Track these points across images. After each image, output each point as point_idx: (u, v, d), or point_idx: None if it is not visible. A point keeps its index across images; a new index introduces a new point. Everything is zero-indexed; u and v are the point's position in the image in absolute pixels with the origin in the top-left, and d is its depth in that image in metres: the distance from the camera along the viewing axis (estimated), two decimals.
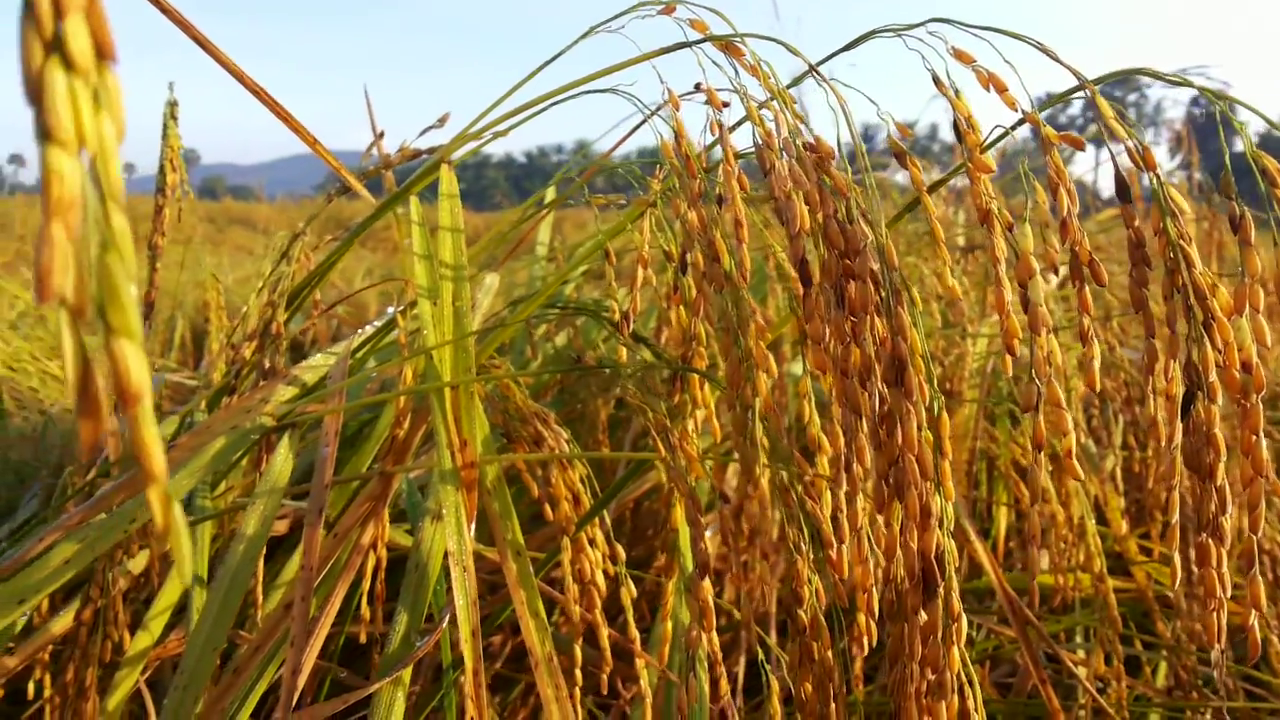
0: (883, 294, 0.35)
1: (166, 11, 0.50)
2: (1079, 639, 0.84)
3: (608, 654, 0.52)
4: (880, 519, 0.39)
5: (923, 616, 0.35)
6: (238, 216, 6.89)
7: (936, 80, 0.41)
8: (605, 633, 0.52)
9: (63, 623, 0.58)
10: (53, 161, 0.16)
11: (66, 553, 0.50)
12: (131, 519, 0.51)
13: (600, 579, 0.52)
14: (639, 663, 0.56)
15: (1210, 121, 0.42)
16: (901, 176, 1.88)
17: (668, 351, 0.62)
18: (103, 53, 0.17)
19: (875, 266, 0.36)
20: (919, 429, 0.34)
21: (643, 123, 0.52)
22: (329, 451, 0.51)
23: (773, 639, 0.70)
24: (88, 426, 0.17)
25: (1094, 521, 0.71)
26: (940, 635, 0.35)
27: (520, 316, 0.54)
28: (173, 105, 0.67)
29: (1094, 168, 2.42)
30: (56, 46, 0.17)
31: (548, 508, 0.54)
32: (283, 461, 0.54)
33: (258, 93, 0.57)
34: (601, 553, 0.54)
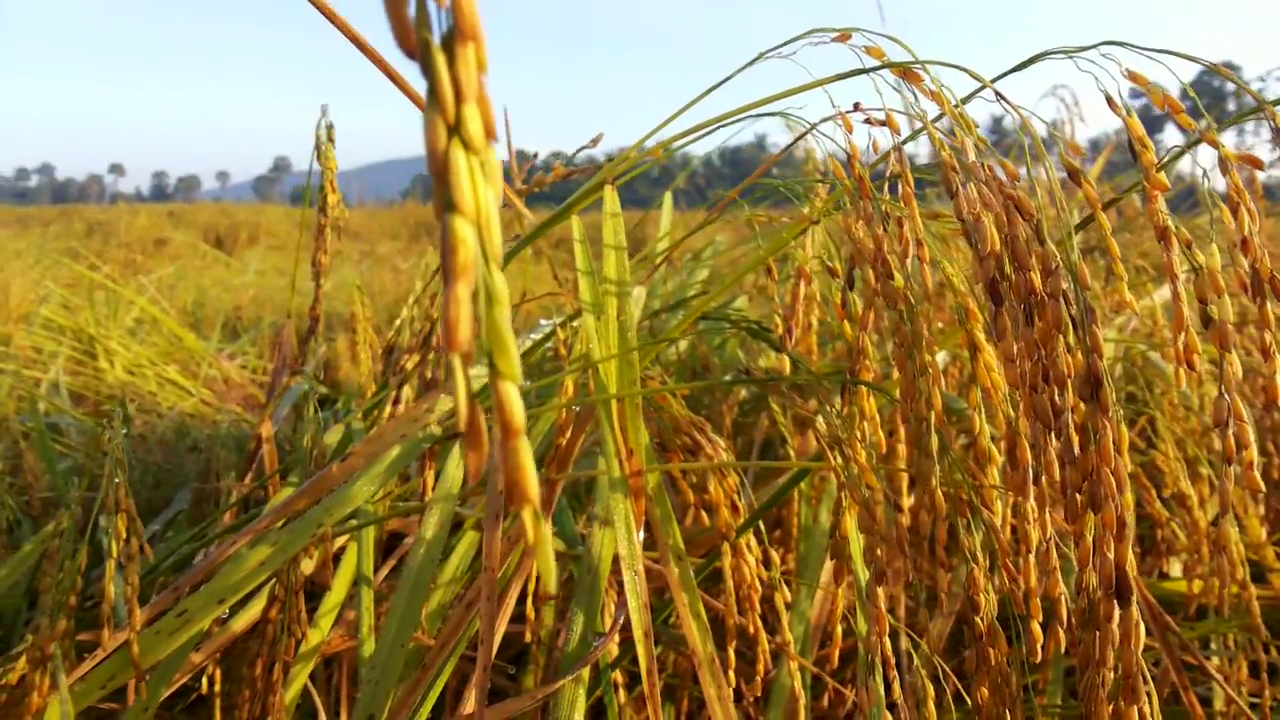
0: (1073, 312, 0.37)
1: (330, 17, 0.53)
2: (1213, 646, 0.84)
3: (767, 657, 0.54)
4: (1043, 527, 0.41)
5: (1116, 625, 0.36)
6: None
7: (1110, 101, 0.42)
8: (764, 638, 0.54)
9: (244, 620, 0.61)
10: (456, 230, 0.19)
11: (261, 555, 0.53)
12: (318, 524, 0.55)
13: (758, 583, 0.54)
14: (792, 665, 0.58)
15: None
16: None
17: (806, 362, 0.63)
18: (488, 133, 0.19)
19: (1066, 286, 0.37)
20: (1114, 443, 0.36)
21: (798, 139, 0.54)
22: (499, 461, 0.54)
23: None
24: (473, 456, 0.20)
25: (1235, 529, 0.71)
26: (1133, 642, 0.36)
27: (677, 330, 0.57)
28: (329, 128, 0.71)
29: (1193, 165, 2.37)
30: (456, 129, 0.19)
31: (703, 513, 0.56)
32: (455, 469, 0.57)
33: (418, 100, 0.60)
34: (755, 557, 0.56)
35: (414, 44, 0.19)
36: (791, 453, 0.63)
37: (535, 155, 0.67)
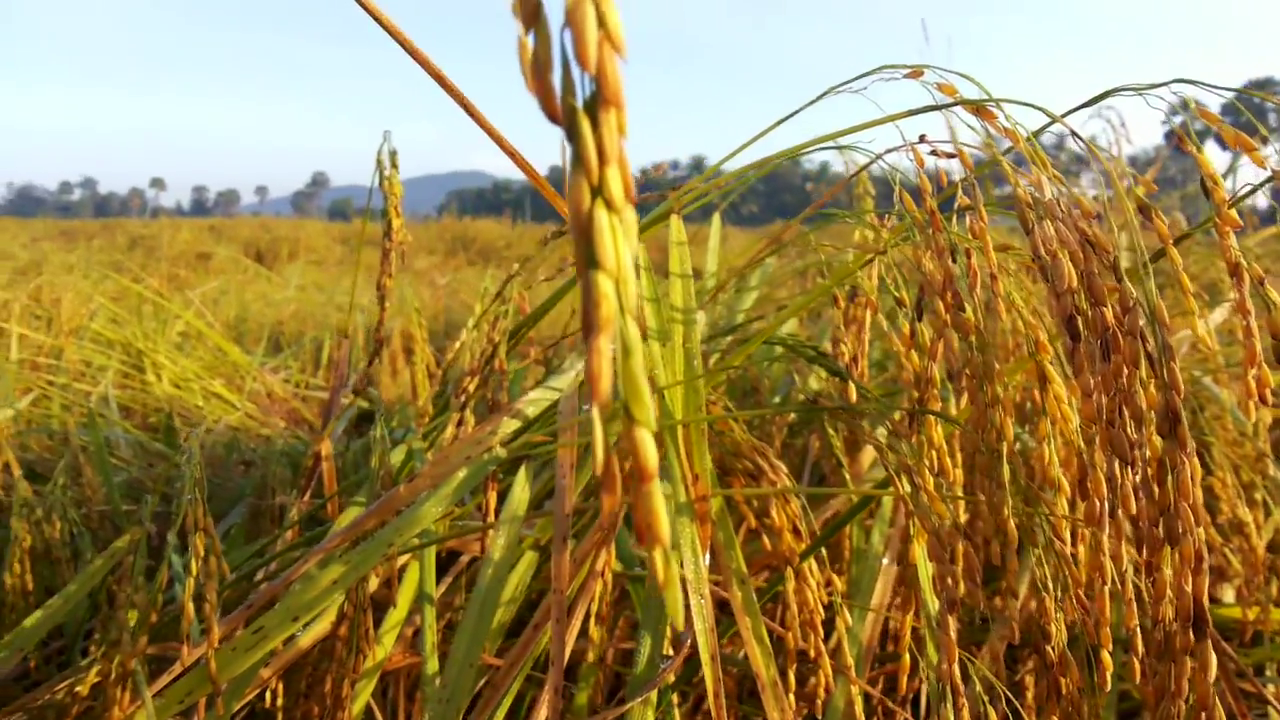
0: (1150, 348, 0.37)
1: (387, 27, 0.55)
2: (1268, 673, 0.83)
3: (829, 679, 0.55)
4: (1115, 557, 0.41)
5: (1191, 659, 0.37)
6: (369, 237, 7.12)
7: (1180, 137, 0.43)
8: (827, 661, 0.54)
9: (311, 637, 0.63)
10: (600, 286, 0.20)
11: (334, 574, 0.55)
12: (388, 543, 0.56)
13: (820, 608, 0.55)
14: (853, 689, 0.58)
15: None
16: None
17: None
18: (627, 194, 0.20)
19: (1143, 322, 0.37)
20: (1192, 479, 0.36)
21: (863, 168, 0.54)
22: (567, 483, 0.55)
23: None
24: (608, 499, 0.21)
25: None
26: (1209, 675, 0.36)
27: (739, 357, 0.57)
28: (393, 154, 0.72)
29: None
30: (599, 190, 0.20)
31: (765, 538, 0.57)
32: (521, 491, 0.58)
33: (477, 117, 0.61)
34: (817, 581, 0.57)
35: (557, 109, 0.20)
36: (847, 477, 0.63)
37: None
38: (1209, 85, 0.43)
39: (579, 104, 0.20)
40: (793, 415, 0.91)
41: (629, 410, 0.21)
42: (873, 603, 0.69)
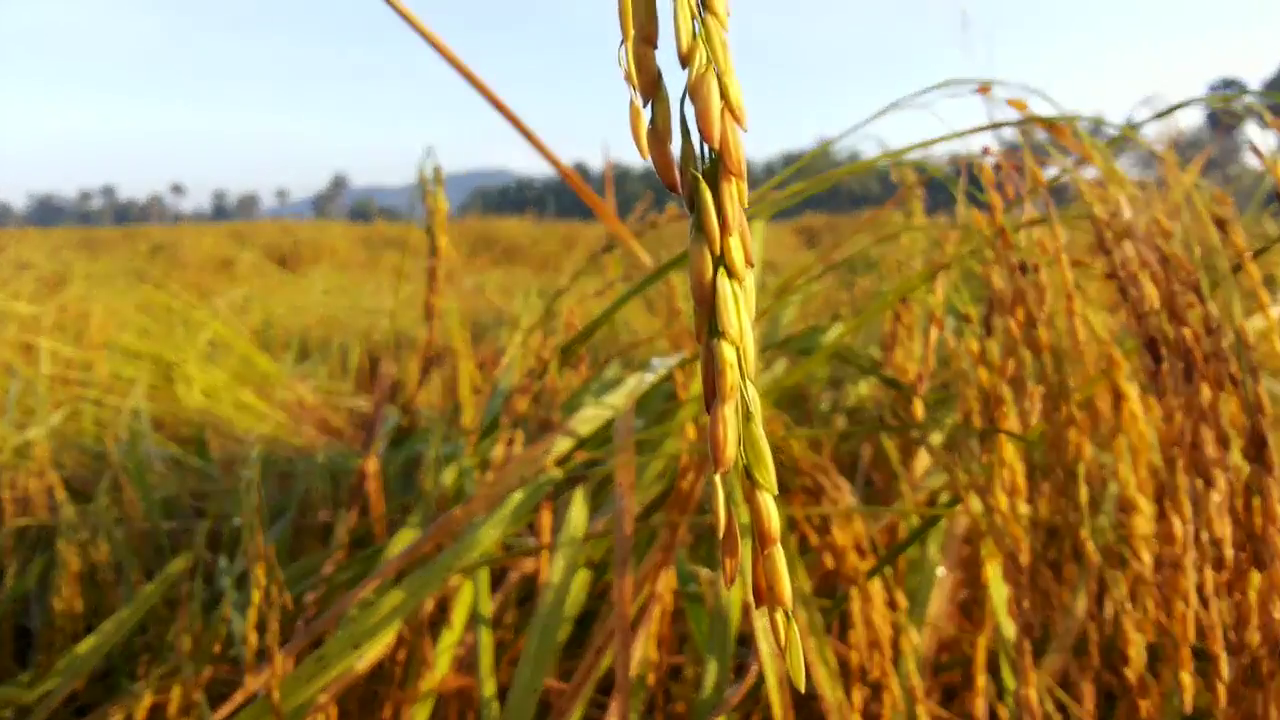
0: (1234, 371, 0.36)
1: (419, 28, 0.54)
2: None
3: (897, 699, 0.54)
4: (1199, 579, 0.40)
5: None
6: (390, 239, 7.14)
7: (1256, 151, 0.42)
8: (895, 683, 0.54)
9: (367, 661, 0.63)
10: (723, 355, 0.19)
11: (394, 601, 0.54)
12: (448, 568, 0.56)
13: (887, 627, 0.54)
14: (920, 708, 0.58)
15: None
16: None
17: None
18: (747, 261, 0.20)
19: (1227, 345, 0.37)
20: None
21: (917, 185, 0.53)
22: (626, 505, 0.55)
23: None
24: (729, 561, 0.20)
25: None
26: None
27: (800, 373, 0.57)
28: (437, 170, 0.72)
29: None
30: (721, 259, 0.20)
31: (827, 557, 0.56)
32: (579, 515, 0.57)
33: (516, 122, 0.61)
34: (882, 599, 0.56)
35: (675, 178, 0.20)
36: (905, 490, 0.62)
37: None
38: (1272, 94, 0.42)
39: (700, 174, 0.20)
40: (842, 421, 0.90)
41: (751, 474, 0.20)
42: (930, 612, 0.68)
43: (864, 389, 0.90)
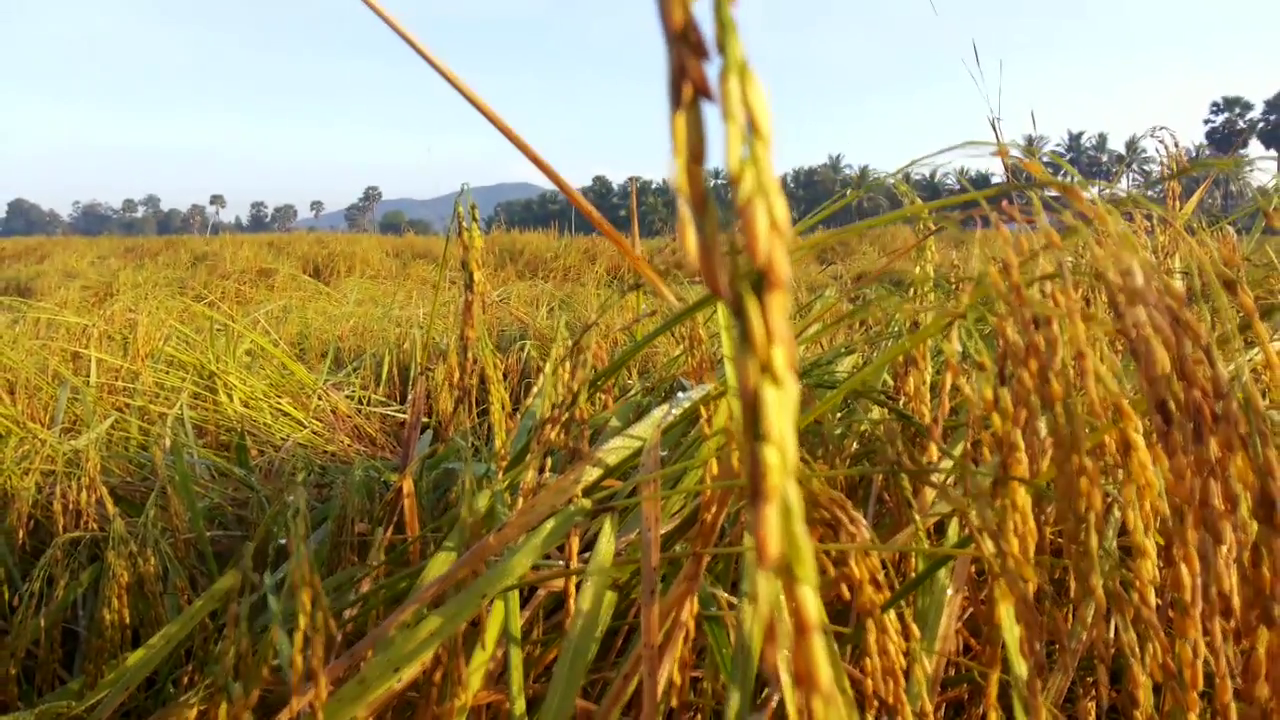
0: (1243, 432, 0.38)
1: (420, 51, 0.57)
2: None
3: None
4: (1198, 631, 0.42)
5: None
6: (420, 251, 7.23)
7: (1222, 136, 0.43)
8: (908, 710, 0.55)
9: (404, 680, 0.65)
10: (767, 458, 0.21)
11: (431, 625, 0.57)
12: (483, 594, 0.58)
13: (901, 659, 0.56)
14: None
15: None
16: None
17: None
18: (791, 367, 0.22)
19: (1236, 406, 0.38)
20: None
21: (926, 237, 0.55)
22: (653, 536, 0.57)
23: None
24: (769, 649, 0.22)
25: None
26: None
27: (816, 412, 0.59)
28: (474, 208, 0.75)
29: None
30: (766, 368, 0.22)
31: (844, 589, 0.58)
32: (607, 543, 0.60)
33: (512, 137, 0.63)
34: (895, 630, 0.58)
35: (722, 287, 0.22)
36: (917, 518, 0.64)
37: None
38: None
39: (746, 287, 0.22)
40: (855, 444, 0.92)
41: (791, 569, 0.22)
42: (940, 632, 0.70)
43: (876, 414, 0.91)
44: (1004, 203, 0.49)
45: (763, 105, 0.23)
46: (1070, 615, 0.57)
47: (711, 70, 0.23)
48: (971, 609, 0.68)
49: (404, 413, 2.32)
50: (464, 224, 0.75)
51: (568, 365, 0.71)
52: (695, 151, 0.23)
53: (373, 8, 0.57)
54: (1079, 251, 0.47)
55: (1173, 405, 0.38)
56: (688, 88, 0.23)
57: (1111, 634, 0.45)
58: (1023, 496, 0.50)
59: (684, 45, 0.23)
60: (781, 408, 0.22)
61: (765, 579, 0.22)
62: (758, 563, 0.22)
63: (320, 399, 2.23)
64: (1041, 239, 0.46)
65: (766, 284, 0.22)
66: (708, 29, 0.23)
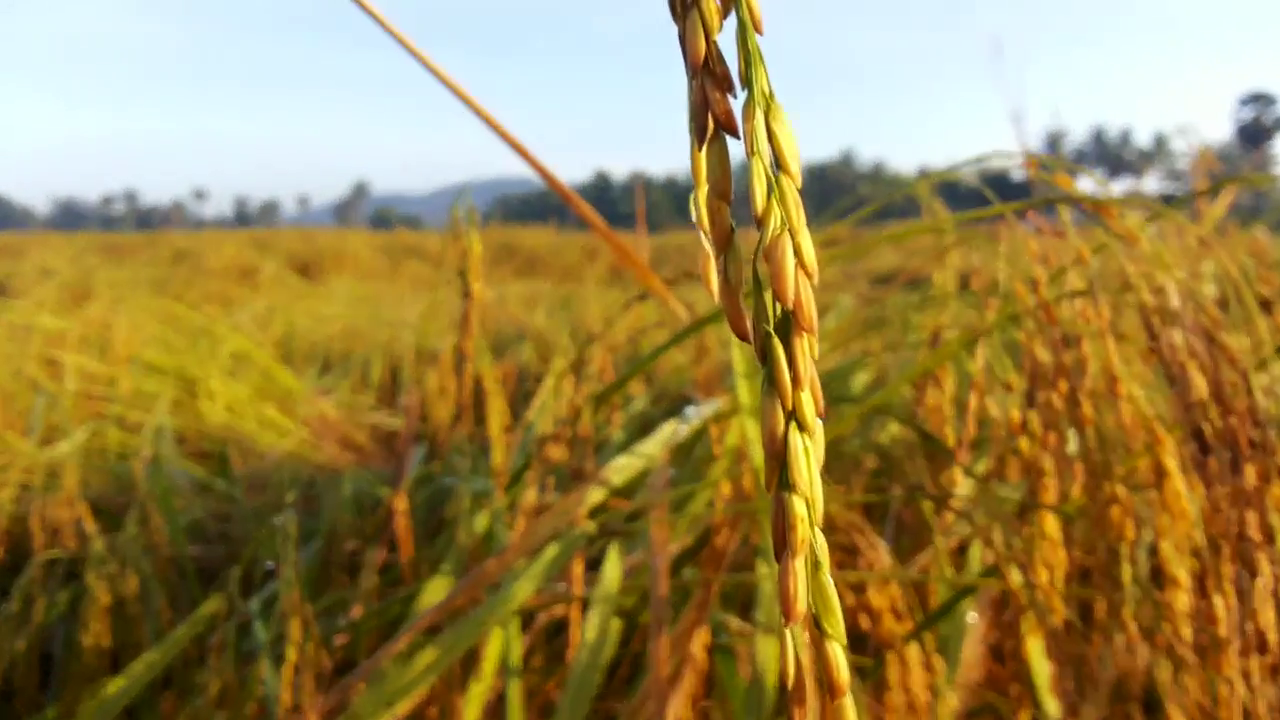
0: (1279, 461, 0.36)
1: (402, 41, 0.55)
2: None
3: None
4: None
5: None
6: (411, 247, 7.15)
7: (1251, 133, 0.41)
8: None
9: (398, 714, 0.63)
10: (794, 509, 0.19)
11: (428, 658, 0.54)
12: (481, 625, 0.56)
13: (924, 692, 0.54)
14: None
15: None
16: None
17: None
18: (818, 412, 0.20)
19: (1275, 435, 0.36)
20: None
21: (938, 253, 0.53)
22: (661, 564, 0.55)
23: None
24: (798, 712, 0.20)
25: None
26: None
27: (834, 430, 0.57)
28: (471, 213, 0.72)
29: None
30: (793, 414, 0.20)
31: (863, 618, 0.56)
32: (612, 570, 0.57)
33: (501, 132, 0.61)
34: (918, 662, 0.56)
35: (747, 330, 0.20)
36: (939, 540, 0.62)
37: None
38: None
39: (772, 330, 0.20)
40: (873, 460, 0.90)
41: (820, 624, 0.20)
42: (963, 659, 0.68)
43: (895, 428, 0.90)
44: (1030, 213, 0.47)
45: (790, 140, 0.20)
46: (1101, 641, 0.55)
47: (736, 103, 0.21)
48: (997, 633, 0.66)
49: (395, 419, 2.28)
50: (462, 229, 0.73)
51: (570, 379, 0.69)
52: (719, 188, 0.21)
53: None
54: (1107, 261, 0.45)
55: (1209, 431, 0.37)
56: (711, 122, 0.21)
57: (1144, 664, 0.43)
58: (1051, 524, 0.48)
59: (707, 77, 0.21)
60: (809, 456, 0.20)
61: (791, 635, 0.20)
62: (783, 619, 0.20)
63: (306, 405, 2.19)
64: (1070, 253, 0.44)
65: (795, 328, 0.20)
66: (731, 59, 0.21)
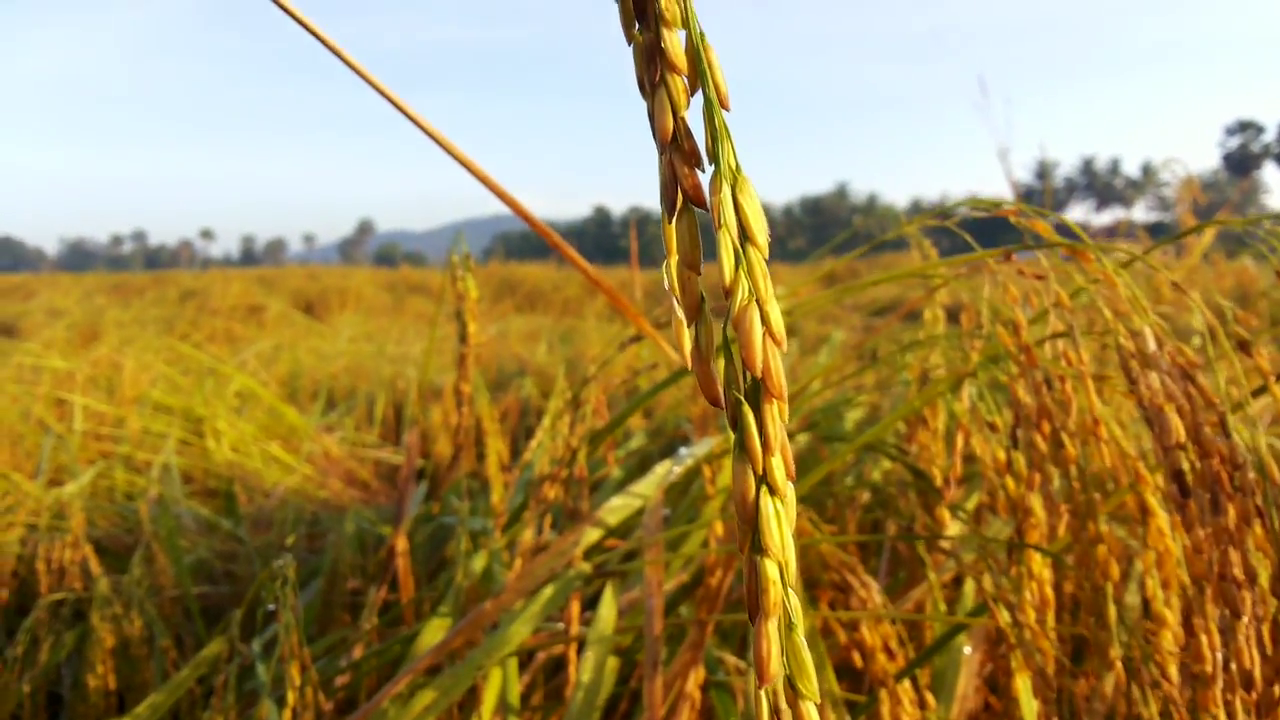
0: (1259, 504, 0.37)
1: (390, 99, 0.56)
2: None
3: None
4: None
5: None
6: (415, 284, 7.19)
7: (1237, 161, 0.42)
8: None
9: None
10: (767, 573, 0.20)
11: (425, 700, 0.55)
12: (479, 666, 0.56)
13: None
14: None
15: None
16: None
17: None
18: (789, 476, 0.21)
19: (1253, 476, 0.37)
20: None
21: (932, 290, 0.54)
22: (655, 604, 0.55)
23: None
24: None
25: None
26: None
27: (826, 468, 0.57)
28: (466, 257, 0.74)
29: None
30: (764, 478, 0.21)
31: (856, 655, 0.56)
32: (608, 610, 0.58)
33: (489, 183, 0.62)
34: (910, 699, 0.56)
35: (718, 395, 0.21)
36: (932, 576, 0.63)
37: None
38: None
39: (742, 396, 0.21)
40: (867, 495, 0.90)
41: (793, 684, 0.21)
42: (958, 692, 0.68)
43: (887, 464, 0.90)
44: (1013, 257, 0.48)
45: (757, 212, 0.22)
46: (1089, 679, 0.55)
47: (705, 177, 0.22)
48: (991, 664, 0.67)
49: (398, 455, 2.29)
50: (459, 273, 0.74)
51: (566, 419, 0.70)
52: (688, 259, 0.22)
53: (321, 39, 0.56)
54: (1091, 300, 0.46)
55: (1189, 474, 0.37)
56: (680, 196, 0.22)
57: (1129, 703, 0.44)
58: (1039, 563, 0.48)
59: (676, 153, 0.22)
60: (780, 520, 0.21)
61: (765, 698, 0.21)
62: (756, 680, 0.20)
63: (311, 442, 2.20)
64: (1051, 298, 0.45)
65: (765, 394, 0.21)
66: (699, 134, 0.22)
